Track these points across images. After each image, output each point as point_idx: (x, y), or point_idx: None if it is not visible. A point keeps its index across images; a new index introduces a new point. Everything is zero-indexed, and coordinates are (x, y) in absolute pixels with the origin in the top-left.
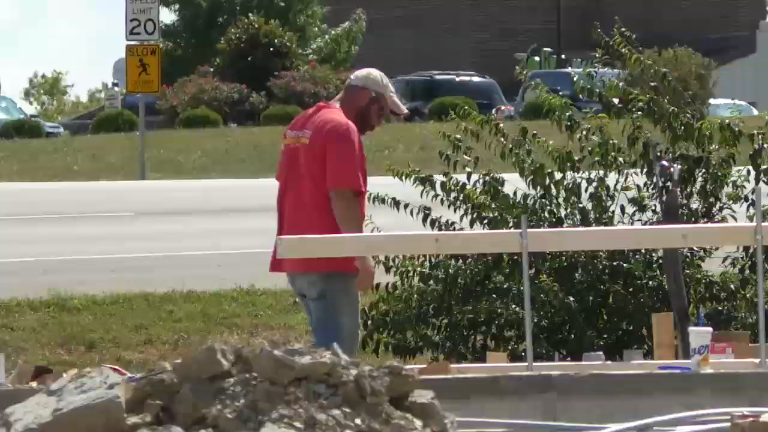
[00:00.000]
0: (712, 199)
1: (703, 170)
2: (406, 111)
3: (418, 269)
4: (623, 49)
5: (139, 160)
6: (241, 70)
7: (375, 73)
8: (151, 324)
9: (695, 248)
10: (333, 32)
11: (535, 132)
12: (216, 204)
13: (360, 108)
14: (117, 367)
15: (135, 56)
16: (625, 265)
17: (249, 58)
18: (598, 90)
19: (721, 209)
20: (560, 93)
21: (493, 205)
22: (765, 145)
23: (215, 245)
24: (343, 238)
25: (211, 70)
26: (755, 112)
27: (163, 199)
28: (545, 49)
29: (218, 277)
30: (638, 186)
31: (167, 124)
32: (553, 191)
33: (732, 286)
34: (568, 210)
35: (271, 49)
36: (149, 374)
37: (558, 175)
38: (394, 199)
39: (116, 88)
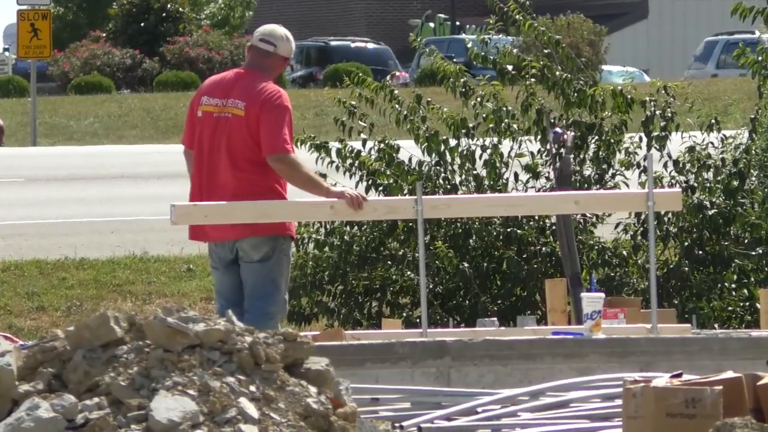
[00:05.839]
0: (604, 166)
1: (596, 137)
2: None
3: (314, 236)
4: (517, 16)
5: (31, 125)
6: (134, 36)
7: (289, 40)
8: (44, 291)
9: (588, 214)
10: None
11: (429, 99)
12: (109, 170)
13: (278, 75)
14: (8, 335)
15: (26, 21)
16: (518, 231)
17: (142, 23)
18: (492, 57)
19: (613, 176)
20: (454, 60)
21: (388, 172)
22: (657, 112)
23: (108, 212)
24: (235, 205)
25: (104, 35)
26: (647, 78)
27: (55, 165)
28: (440, 15)
29: (111, 244)
30: (532, 153)
31: (59, 90)
32: (448, 158)
33: (624, 252)
34: (463, 177)
35: (164, 13)
36: (41, 342)
37: (452, 142)
38: None
39: (7, 54)
